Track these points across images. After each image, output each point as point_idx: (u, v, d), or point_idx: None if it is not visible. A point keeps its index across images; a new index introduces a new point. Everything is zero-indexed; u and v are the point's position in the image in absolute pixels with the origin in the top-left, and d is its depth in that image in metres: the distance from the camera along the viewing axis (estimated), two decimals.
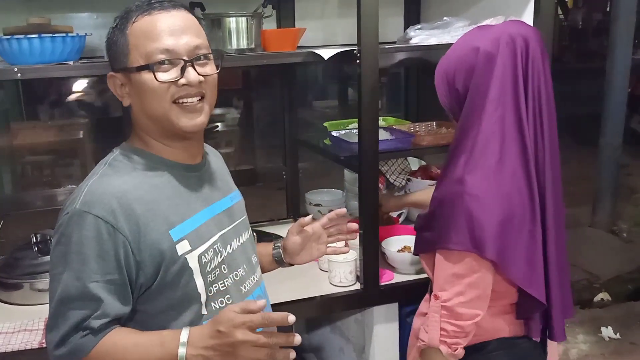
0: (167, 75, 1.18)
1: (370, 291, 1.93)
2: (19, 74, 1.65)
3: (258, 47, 1.98)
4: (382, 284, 1.96)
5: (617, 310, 3.81)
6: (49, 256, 1.89)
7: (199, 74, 1.20)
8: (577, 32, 11.18)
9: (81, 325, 1.12)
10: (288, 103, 2.60)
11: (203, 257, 1.24)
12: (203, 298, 1.24)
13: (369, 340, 2.04)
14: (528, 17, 1.94)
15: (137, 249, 1.16)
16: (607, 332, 3.51)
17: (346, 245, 1.64)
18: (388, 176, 2.55)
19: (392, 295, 1.98)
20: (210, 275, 1.25)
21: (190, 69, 1.19)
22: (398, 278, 2.01)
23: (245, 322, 1.04)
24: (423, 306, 1.59)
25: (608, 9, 9.56)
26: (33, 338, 1.66)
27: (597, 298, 3.92)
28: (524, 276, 1.38)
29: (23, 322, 1.76)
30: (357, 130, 1.89)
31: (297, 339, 1.05)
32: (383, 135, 2.09)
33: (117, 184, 1.18)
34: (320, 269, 2.09)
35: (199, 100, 1.22)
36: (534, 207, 1.38)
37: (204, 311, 1.24)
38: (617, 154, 4.93)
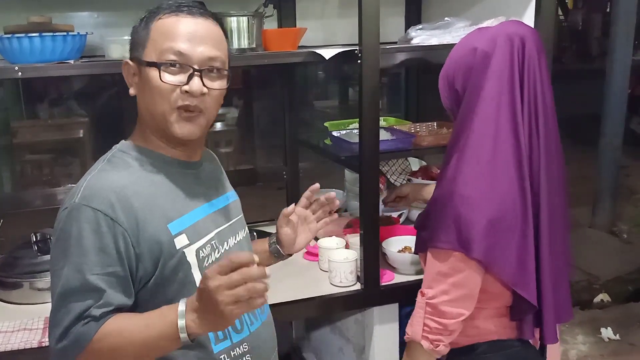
0: (172, 78, 1.19)
1: (371, 291, 1.93)
2: (20, 73, 1.65)
3: (259, 46, 1.98)
4: (383, 284, 1.96)
5: (617, 311, 3.81)
6: (48, 255, 1.90)
7: (204, 85, 1.20)
8: (577, 33, 11.18)
9: (83, 315, 1.12)
10: (289, 103, 2.59)
11: (201, 251, 1.25)
12: None
13: (369, 340, 2.04)
14: (529, 18, 1.94)
15: (136, 242, 1.16)
16: (607, 333, 3.51)
17: (330, 213, 1.62)
18: (389, 176, 2.55)
19: (392, 295, 1.98)
20: None
21: (196, 79, 1.19)
22: (398, 278, 2.01)
23: (214, 270, 1.03)
24: None
25: (608, 10, 9.57)
26: (32, 337, 1.66)
27: (597, 299, 3.93)
28: (515, 276, 1.39)
29: (22, 321, 1.76)
30: (357, 131, 1.88)
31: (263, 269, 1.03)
32: (384, 135, 2.09)
33: (115, 178, 1.20)
34: (321, 269, 2.09)
35: (197, 111, 1.22)
36: (526, 208, 1.38)
37: None
38: (617, 154, 4.93)
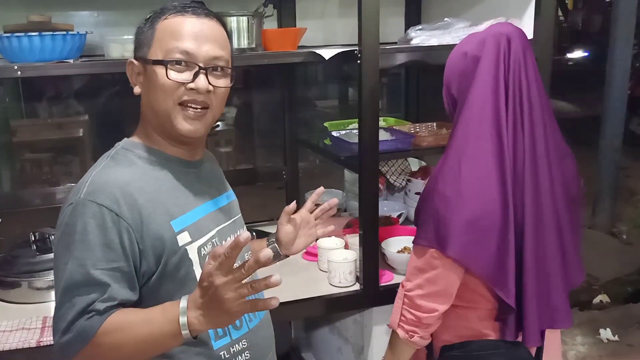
0: (178, 75, 1.21)
1: (370, 292, 1.93)
2: (19, 72, 1.65)
3: (259, 46, 1.98)
4: (382, 284, 1.96)
5: (615, 312, 3.81)
6: (47, 255, 1.91)
7: (209, 83, 1.22)
8: (577, 34, 11.17)
9: (87, 310, 1.12)
10: (288, 103, 2.60)
11: (202, 249, 1.26)
12: None
13: (368, 340, 2.04)
14: (529, 19, 1.94)
15: (140, 238, 1.17)
16: (606, 334, 3.51)
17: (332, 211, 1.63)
18: (388, 177, 2.55)
19: (391, 296, 1.95)
20: None
21: (202, 76, 1.21)
22: (398, 279, 2.01)
23: (215, 266, 1.03)
24: None
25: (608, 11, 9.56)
26: (31, 337, 1.66)
27: (596, 300, 3.92)
28: (492, 276, 1.40)
29: (21, 320, 1.76)
30: (357, 131, 1.89)
31: (276, 277, 1.02)
32: (383, 135, 2.09)
33: (120, 174, 1.21)
34: (320, 269, 2.09)
35: (203, 108, 1.24)
36: (506, 208, 1.38)
37: None
38: (617, 155, 4.93)
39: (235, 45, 1.90)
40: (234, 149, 2.97)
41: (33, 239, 1.96)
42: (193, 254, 1.24)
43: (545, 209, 1.42)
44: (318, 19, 2.51)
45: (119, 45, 1.83)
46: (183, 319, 1.07)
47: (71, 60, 1.74)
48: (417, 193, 2.40)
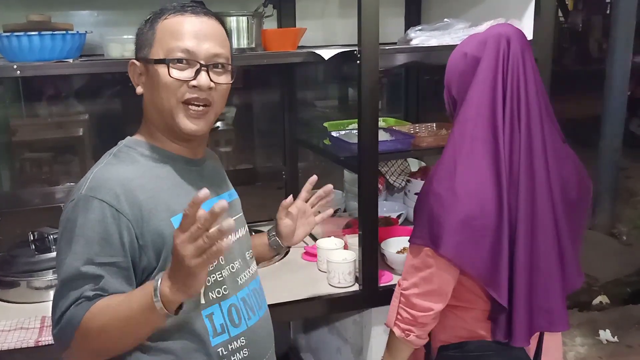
0: (180, 74, 1.23)
1: (369, 292, 1.93)
2: (19, 72, 1.65)
3: (258, 46, 1.98)
4: (381, 285, 1.95)
5: (615, 314, 3.81)
6: (46, 254, 1.91)
7: (211, 80, 1.24)
8: (577, 35, 11.18)
9: (79, 298, 1.14)
10: (288, 103, 2.59)
11: None
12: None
13: (367, 341, 2.04)
14: (528, 19, 1.94)
15: (140, 234, 1.19)
16: (605, 335, 3.51)
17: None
18: (388, 177, 2.55)
19: (390, 296, 1.96)
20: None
21: (203, 73, 1.23)
22: (397, 279, 1.98)
23: (178, 229, 1.03)
24: None
25: (608, 12, 9.57)
26: (29, 336, 1.66)
27: (596, 301, 3.92)
28: (486, 275, 1.40)
29: (19, 320, 1.76)
30: (357, 131, 1.88)
31: (229, 222, 1.00)
32: (383, 136, 2.09)
33: (122, 171, 1.23)
34: (319, 270, 2.09)
35: (205, 106, 1.26)
36: (501, 208, 1.38)
37: (202, 300, 1.26)
38: (617, 156, 4.93)
39: (235, 45, 1.90)
40: (234, 149, 2.98)
41: (32, 238, 1.96)
42: None
43: (540, 211, 1.41)
44: (318, 19, 2.51)
45: (119, 45, 1.83)
46: (156, 289, 1.07)
47: (71, 60, 1.73)
48: (416, 194, 2.36)
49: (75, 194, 1.21)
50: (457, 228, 1.37)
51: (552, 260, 1.44)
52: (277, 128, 2.66)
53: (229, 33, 1.33)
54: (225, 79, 1.28)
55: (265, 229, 2.42)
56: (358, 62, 1.76)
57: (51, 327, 1.19)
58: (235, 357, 1.30)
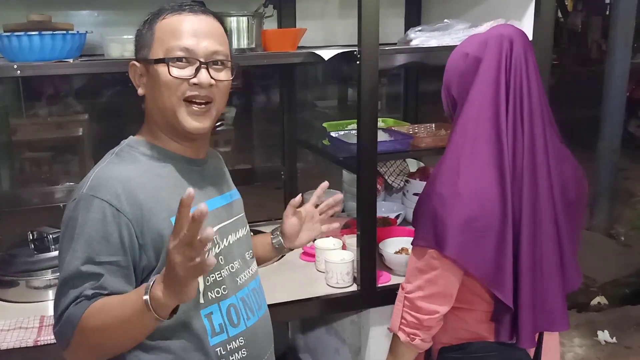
0: (180, 72, 1.24)
1: (367, 293, 1.93)
2: (19, 71, 1.64)
3: (258, 46, 1.98)
4: (379, 285, 1.96)
5: (613, 314, 3.81)
6: (45, 254, 1.91)
7: (211, 77, 1.25)
8: (577, 35, 11.18)
9: (78, 297, 1.14)
10: (287, 103, 2.59)
11: None
12: (201, 287, 1.27)
13: (365, 341, 2.04)
14: (528, 20, 1.94)
15: (140, 233, 1.20)
16: (603, 335, 3.52)
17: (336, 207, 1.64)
18: (386, 177, 2.55)
19: (389, 296, 1.96)
20: None
21: (203, 71, 1.24)
22: (395, 280, 2.01)
23: (172, 234, 1.03)
24: None
25: (607, 13, 9.57)
26: (28, 336, 1.66)
27: (594, 302, 3.93)
28: (490, 276, 1.40)
29: (18, 319, 1.75)
30: (356, 131, 1.89)
31: (209, 230, 1.01)
32: (382, 136, 2.09)
33: (123, 171, 1.24)
34: (317, 270, 2.09)
35: (206, 104, 1.27)
36: (505, 208, 1.38)
37: (202, 300, 1.27)
38: (615, 157, 4.94)
39: (235, 46, 1.90)
40: (233, 149, 2.98)
41: (31, 238, 1.96)
42: None
43: (542, 211, 1.42)
44: (318, 20, 2.51)
45: (119, 45, 1.83)
46: (146, 294, 1.07)
47: (71, 60, 1.73)
48: (415, 194, 2.40)
49: (77, 193, 1.22)
50: (461, 228, 1.36)
51: (553, 260, 1.45)
52: (276, 128, 2.66)
53: (227, 30, 1.33)
54: (225, 76, 1.29)
55: (264, 228, 2.45)
56: (358, 62, 1.76)
57: (52, 326, 1.20)
58: (234, 357, 1.30)
